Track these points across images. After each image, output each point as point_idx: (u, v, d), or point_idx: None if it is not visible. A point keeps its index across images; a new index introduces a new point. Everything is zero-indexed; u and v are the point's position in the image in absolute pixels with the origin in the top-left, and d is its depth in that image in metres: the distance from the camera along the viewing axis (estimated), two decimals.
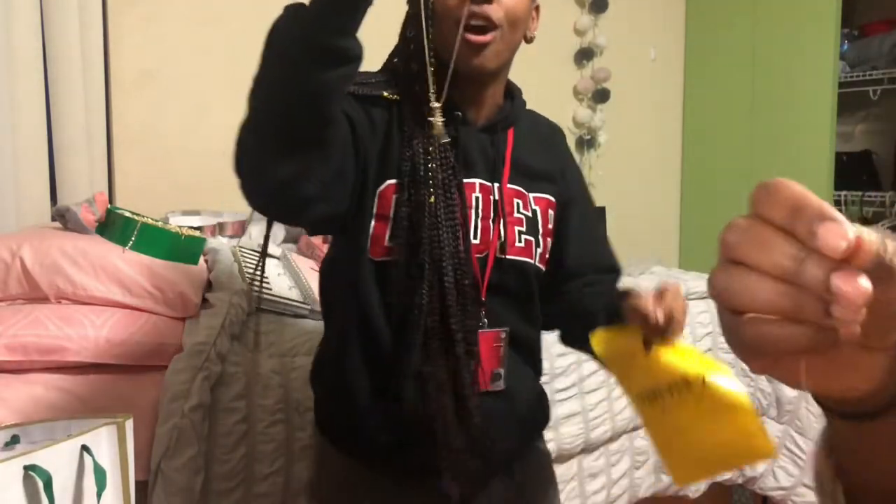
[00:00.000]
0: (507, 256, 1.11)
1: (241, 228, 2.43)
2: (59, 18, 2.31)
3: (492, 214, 1.10)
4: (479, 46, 1.03)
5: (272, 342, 1.71)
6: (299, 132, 0.90)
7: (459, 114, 1.09)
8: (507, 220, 1.11)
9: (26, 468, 1.25)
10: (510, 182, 1.12)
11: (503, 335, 1.13)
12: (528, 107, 1.21)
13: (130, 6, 2.58)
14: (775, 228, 0.34)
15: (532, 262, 1.14)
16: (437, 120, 1.00)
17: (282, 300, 1.88)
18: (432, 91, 0.99)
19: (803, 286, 0.33)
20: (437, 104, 0.99)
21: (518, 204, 1.13)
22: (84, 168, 2.41)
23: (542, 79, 3.20)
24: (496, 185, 1.10)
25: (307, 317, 1.88)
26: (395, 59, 1.14)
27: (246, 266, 2.00)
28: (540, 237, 1.15)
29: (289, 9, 0.89)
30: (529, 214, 1.14)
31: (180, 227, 1.92)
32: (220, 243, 2.07)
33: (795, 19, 3.16)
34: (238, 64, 2.73)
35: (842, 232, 0.32)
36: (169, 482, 1.51)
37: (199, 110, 2.69)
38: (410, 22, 1.08)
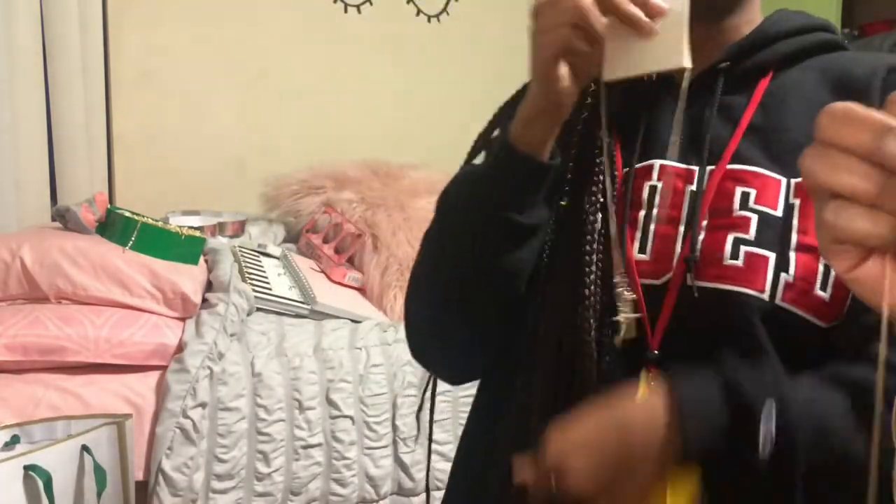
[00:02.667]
0: (704, 283, 0.63)
1: (241, 228, 2.43)
2: (59, 19, 2.31)
3: (683, 215, 0.66)
4: None
5: (272, 342, 1.72)
6: (483, 314, 0.71)
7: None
8: (715, 223, 0.65)
9: (26, 468, 1.26)
10: (738, 161, 0.66)
11: None
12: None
13: (130, 6, 2.58)
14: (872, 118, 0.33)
15: (757, 293, 0.62)
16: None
17: (282, 300, 1.88)
18: None
19: (887, 164, 0.32)
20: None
21: (745, 196, 0.65)
22: (84, 168, 2.41)
23: None
24: (706, 168, 0.66)
25: (307, 317, 1.88)
26: None
27: (246, 266, 2.00)
28: (792, 251, 0.63)
29: (459, 178, 0.72)
30: (775, 213, 0.64)
31: (180, 227, 1.92)
32: (220, 243, 2.07)
33: None
34: (238, 64, 2.75)
35: None
36: (169, 482, 1.51)
37: (199, 110, 2.69)
38: None
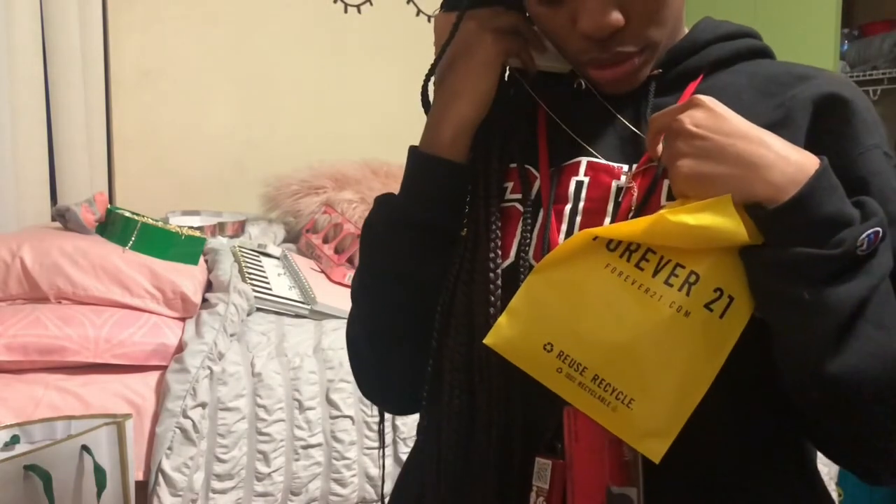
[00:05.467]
0: None
1: (241, 228, 2.43)
2: (59, 19, 2.31)
3: (609, 207, 0.68)
4: (616, 78, 0.69)
5: (272, 342, 1.72)
6: (411, 331, 0.73)
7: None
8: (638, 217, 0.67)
9: (26, 468, 1.26)
10: None
11: None
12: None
13: (130, 6, 2.58)
14: None
15: None
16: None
17: (282, 300, 1.88)
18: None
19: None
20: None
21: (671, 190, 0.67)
22: (84, 168, 2.41)
23: None
24: (632, 166, 0.69)
25: (307, 317, 1.88)
26: None
27: (246, 266, 2.00)
28: None
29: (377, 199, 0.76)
30: None
31: (180, 227, 1.92)
32: (220, 243, 2.07)
33: (795, 19, 3.16)
34: (238, 64, 2.75)
35: None
36: (169, 482, 1.51)
37: (199, 110, 2.69)
38: None
